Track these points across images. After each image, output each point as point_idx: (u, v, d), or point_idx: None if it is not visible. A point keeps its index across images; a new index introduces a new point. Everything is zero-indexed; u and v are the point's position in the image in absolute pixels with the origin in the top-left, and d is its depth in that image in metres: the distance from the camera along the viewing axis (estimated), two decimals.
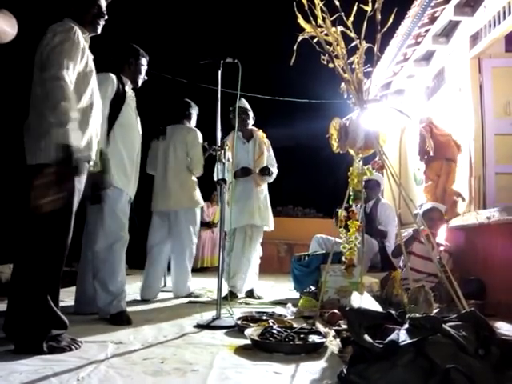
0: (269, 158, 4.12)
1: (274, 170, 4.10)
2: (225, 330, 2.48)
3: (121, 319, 2.61)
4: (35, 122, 2.05)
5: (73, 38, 2.06)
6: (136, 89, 3.08)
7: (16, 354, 1.85)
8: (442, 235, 3.94)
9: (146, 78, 3.14)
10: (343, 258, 2.97)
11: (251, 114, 4.13)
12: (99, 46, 2.42)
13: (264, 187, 4.10)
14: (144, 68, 3.09)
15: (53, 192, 1.95)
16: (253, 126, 4.17)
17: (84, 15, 2.24)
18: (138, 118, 3.03)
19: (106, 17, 2.32)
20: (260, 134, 4.13)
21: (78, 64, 2.08)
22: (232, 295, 3.75)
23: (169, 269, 4.17)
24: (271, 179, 4.12)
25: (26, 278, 1.96)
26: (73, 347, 1.96)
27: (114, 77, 2.82)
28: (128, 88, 2.96)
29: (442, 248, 3.61)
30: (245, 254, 3.92)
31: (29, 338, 1.89)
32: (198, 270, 7.26)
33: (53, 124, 1.92)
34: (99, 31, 2.32)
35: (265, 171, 3.95)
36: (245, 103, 4.09)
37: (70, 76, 1.99)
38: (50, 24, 2.16)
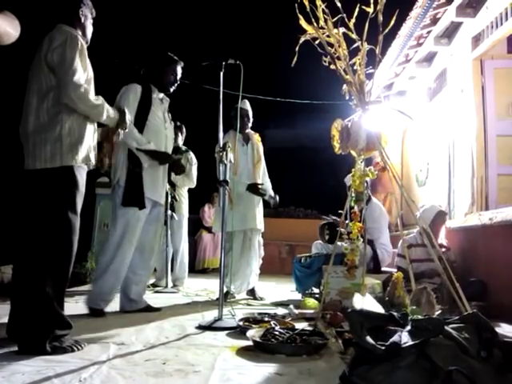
0: (263, 163, 4.17)
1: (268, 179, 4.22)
2: (226, 331, 2.47)
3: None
4: (36, 126, 2.07)
5: (81, 45, 2.14)
6: (169, 95, 3.28)
7: (19, 354, 1.85)
8: (441, 234, 3.93)
9: (178, 82, 3.27)
10: (345, 260, 2.97)
11: (251, 117, 4.14)
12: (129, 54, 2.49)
13: None
14: (174, 75, 3.22)
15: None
16: (250, 128, 4.18)
17: (83, 23, 2.29)
18: (169, 123, 3.22)
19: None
20: (256, 137, 4.15)
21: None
22: (229, 295, 3.77)
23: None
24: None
25: (30, 278, 1.97)
26: (75, 348, 1.96)
27: (136, 86, 3.06)
28: (155, 95, 3.14)
29: (443, 249, 3.60)
30: (244, 256, 3.92)
31: (32, 338, 1.90)
32: (199, 271, 7.27)
33: (102, 116, 2.22)
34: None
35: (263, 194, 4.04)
36: (247, 105, 4.11)
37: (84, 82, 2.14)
38: (52, 26, 2.19)
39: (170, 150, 3.24)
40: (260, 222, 4.03)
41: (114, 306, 3.08)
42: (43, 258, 1.98)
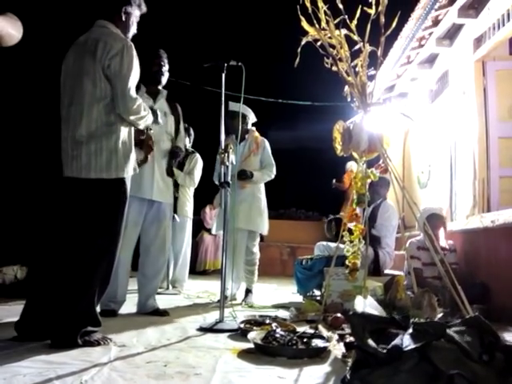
0: (266, 158, 4.00)
1: (269, 172, 3.98)
2: (228, 334, 2.47)
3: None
4: (90, 133, 2.07)
5: (135, 55, 2.17)
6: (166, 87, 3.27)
7: (52, 347, 1.96)
8: (442, 236, 3.92)
9: (163, 70, 3.22)
10: (347, 262, 2.96)
11: (250, 115, 4.00)
12: None
13: (256, 190, 3.98)
14: (157, 64, 3.17)
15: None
16: (252, 126, 4.06)
17: (125, 21, 2.28)
18: (161, 116, 3.03)
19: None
20: (255, 134, 4.02)
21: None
22: (230, 297, 3.73)
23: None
24: (263, 180, 4.00)
25: (80, 278, 2.05)
26: (102, 342, 2.06)
27: None
28: (141, 92, 3.05)
29: (445, 253, 3.59)
30: (228, 257, 3.83)
31: (66, 332, 2.00)
32: (200, 272, 7.27)
33: (146, 122, 2.32)
34: None
35: (241, 175, 3.83)
36: (236, 107, 3.76)
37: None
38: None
39: (164, 142, 3.17)
40: (249, 223, 3.88)
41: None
42: (96, 260, 2.07)
